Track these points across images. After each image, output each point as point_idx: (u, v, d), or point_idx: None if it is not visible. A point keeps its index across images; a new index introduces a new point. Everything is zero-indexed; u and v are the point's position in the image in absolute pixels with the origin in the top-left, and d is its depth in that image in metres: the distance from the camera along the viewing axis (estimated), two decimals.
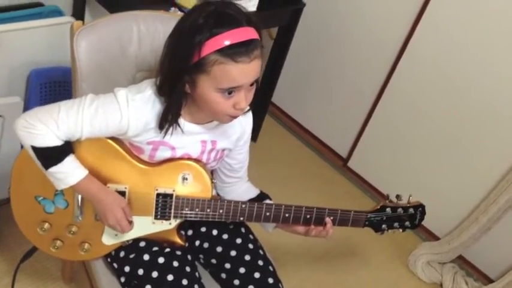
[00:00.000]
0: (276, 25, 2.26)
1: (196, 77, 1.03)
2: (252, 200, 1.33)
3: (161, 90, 1.10)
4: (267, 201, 1.34)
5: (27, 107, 1.81)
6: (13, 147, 1.72)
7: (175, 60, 1.04)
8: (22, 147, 1.80)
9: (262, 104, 2.53)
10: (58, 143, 1.08)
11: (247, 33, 0.99)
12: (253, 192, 1.37)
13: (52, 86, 1.87)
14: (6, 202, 1.79)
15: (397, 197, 1.31)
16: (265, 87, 2.47)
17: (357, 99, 2.57)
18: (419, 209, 1.32)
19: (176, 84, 1.05)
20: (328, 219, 1.25)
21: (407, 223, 1.31)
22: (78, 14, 1.98)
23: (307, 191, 2.54)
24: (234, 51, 0.98)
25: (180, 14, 1.57)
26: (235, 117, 1.10)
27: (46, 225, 1.23)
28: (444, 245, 2.25)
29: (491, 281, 2.25)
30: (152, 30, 1.33)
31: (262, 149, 2.62)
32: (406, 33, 2.24)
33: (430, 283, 2.22)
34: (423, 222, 2.36)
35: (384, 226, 1.31)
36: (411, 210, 1.30)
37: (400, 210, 1.30)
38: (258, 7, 1.98)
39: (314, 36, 2.59)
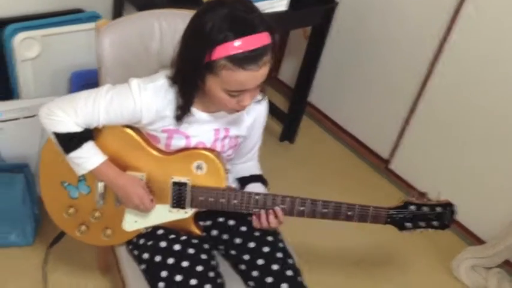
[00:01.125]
0: (308, 25, 2.26)
1: (206, 74, 1.07)
2: (243, 178, 1.37)
3: (174, 81, 1.14)
4: (259, 184, 1.35)
5: None
6: None
7: (187, 57, 1.09)
8: None
9: (298, 104, 2.52)
10: (78, 129, 1.15)
11: (259, 40, 1.01)
12: (250, 171, 1.39)
13: (92, 87, 1.96)
14: None
15: (423, 194, 1.25)
16: (301, 87, 2.46)
17: (397, 97, 2.49)
18: (448, 208, 1.24)
19: (187, 77, 1.10)
20: (277, 208, 1.22)
21: (435, 222, 1.23)
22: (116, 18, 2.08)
23: (347, 194, 2.48)
24: (243, 58, 1.00)
25: None
26: (239, 111, 1.15)
27: (71, 210, 1.30)
28: (489, 249, 2.13)
29: None
30: (173, 26, 1.38)
31: (299, 151, 2.60)
32: (446, 25, 2.14)
33: None
34: (468, 226, 2.32)
35: (408, 224, 1.24)
36: (439, 209, 1.23)
37: (425, 208, 1.23)
38: (290, 6, 1.99)
39: (351, 33, 2.56)
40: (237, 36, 0.99)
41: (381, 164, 2.70)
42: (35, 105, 1.74)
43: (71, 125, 1.14)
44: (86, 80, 1.95)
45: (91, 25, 1.88)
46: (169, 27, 1.38)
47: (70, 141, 1.16)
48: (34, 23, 1.78)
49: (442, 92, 2.28)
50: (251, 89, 1.08)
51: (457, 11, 2.09)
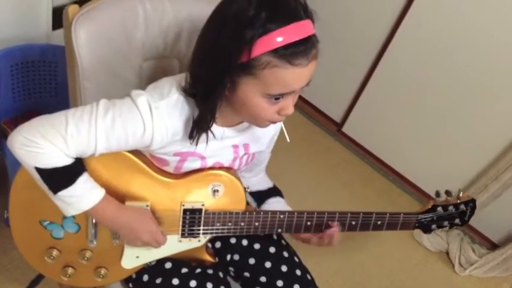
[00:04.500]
0: None
1: (239, 79, 0.83)
2: (258, 192, 1.22)
3: (193, 93, 0.90)
4: (278, 198, 1.22)
5: None
6: None
7: (216, 57, 0.83)
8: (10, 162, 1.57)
9: None
10: (68, 161, 0.88)
11: (305, 28, 0.80)
12: (265, 185, 1.24)
13: (26, 67, 1.61)
14: None
15: (447, 193, 1.19)
16: None
17: (353, 64, 2.43)
18: (470, 204, 1.20)
19: (215, 86, 0.85)
20: (333, 223, 1.11)
21: (457, 220, 1.20)
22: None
23: (302, 160, 2.43)
24: (291, 52, 0.79)
25: None
26: (275, 122, 0.93)
27: (55, 252, 1.05)
28: None
29: (493, 244, 2.25)
30: (160, 10, 1.10)
31: None
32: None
33: (436, 251, 2.19)
34: (425, 188, 2.37)
35: (433, 226, 1.20)
36: (462, 207, 1.19)
37: (451, 208, 1.18)
38: None
39: None
40: (281, 24, 0.78)
41: (333, 128, 2.65)
42: None
43: (59, 157, 0.87)
44: (17, 58, 1.58)
45: None
46: (155, 11, 1.10)
47: (59, 178, 0.88)
48: None
49: (399, 60, 2.26)
50: (295, 93, 0.88)
51: None
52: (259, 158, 1.17)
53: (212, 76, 0.84)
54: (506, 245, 2.08)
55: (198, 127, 0.91)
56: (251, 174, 1.22)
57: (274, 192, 1.23)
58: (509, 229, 2.19)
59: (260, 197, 1.21)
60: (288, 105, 0.88)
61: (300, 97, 0.92)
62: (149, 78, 1.15)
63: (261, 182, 1.23)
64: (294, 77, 0.82)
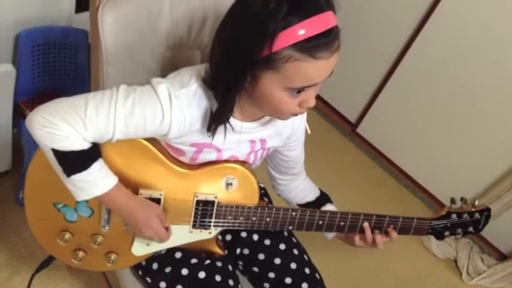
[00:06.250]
0: None
1: (260, 72, 0.82)
2: (309, 204, 1.21)
3: (213, 86, 0.90)
4: (328, 205, 1.20)
5: (17, 75, 1.57)
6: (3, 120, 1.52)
7: (237, 51, 0.82)
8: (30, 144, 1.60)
9: None
10: (85, 146, 0.88)
11: (327, 20, 0.78)
12: (313, 194, 1.23)
13: (47, 48, 1.62)
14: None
15: (462, 200, 1.18)
16: None
17: (372, 65, 2.42)
18: (485, 213, 1.19)
19: (236, 80, 0.85)
20: (366, 225, 1.11)
21: (470, 228, 1.19)
22: None
23: (314, 159, 2.40)
24: (313, 45, 0.78)
25: None
26: (297, 115, 0.93)
27: (67, 235, 1.05)
28: None
29: (502, 255, 2.23)
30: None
31: None
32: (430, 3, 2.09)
33: (445, 259, 2.17)
34: (438, 195, 2.35)
35: (446, 233, 1.18)
36: (477, 215, 1.17)
37: (465, 215, 1.17)
38: None
39: None
40: (303, 17, 0.76)
41: (348, 128, 2.63)
42: None
43: (77, 140, 0.87)
44: (39, 39, 1.60)
45: None
46: (180, 0, 1.10)
47: (74, 161, 0.88)
48: None
49: (417, 64, 2.25)
50: (317, 85, 0.86)
51: None
52: (290, 158, 1.17)
53: (233, 70, 0.83)
54: None
55: (216, 119, 0.91)
56: (287, 177, 1.22)
57: (323, 200, 1.23)
58: None
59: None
60: (310, 97, 0.87)
61: (316, 95, 0.91)
62: (170, 67, 1.15)
63: (308, 190, 1.24)
64: (316, 70, 0.81)
